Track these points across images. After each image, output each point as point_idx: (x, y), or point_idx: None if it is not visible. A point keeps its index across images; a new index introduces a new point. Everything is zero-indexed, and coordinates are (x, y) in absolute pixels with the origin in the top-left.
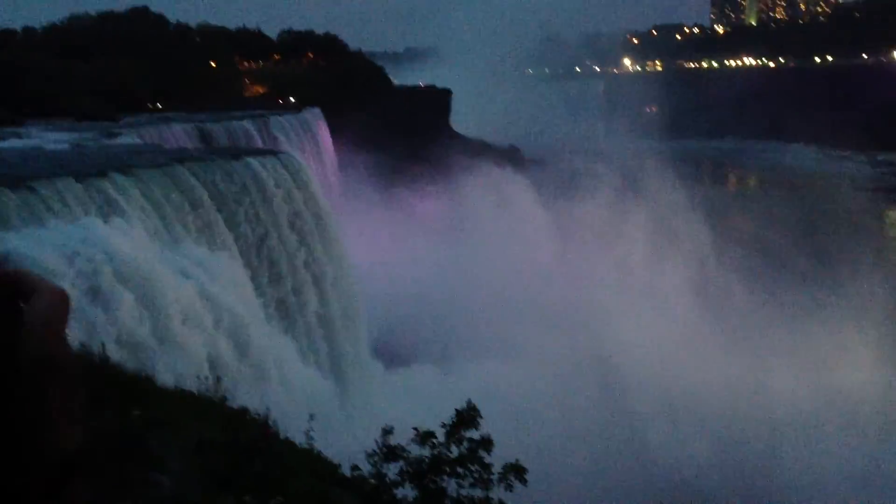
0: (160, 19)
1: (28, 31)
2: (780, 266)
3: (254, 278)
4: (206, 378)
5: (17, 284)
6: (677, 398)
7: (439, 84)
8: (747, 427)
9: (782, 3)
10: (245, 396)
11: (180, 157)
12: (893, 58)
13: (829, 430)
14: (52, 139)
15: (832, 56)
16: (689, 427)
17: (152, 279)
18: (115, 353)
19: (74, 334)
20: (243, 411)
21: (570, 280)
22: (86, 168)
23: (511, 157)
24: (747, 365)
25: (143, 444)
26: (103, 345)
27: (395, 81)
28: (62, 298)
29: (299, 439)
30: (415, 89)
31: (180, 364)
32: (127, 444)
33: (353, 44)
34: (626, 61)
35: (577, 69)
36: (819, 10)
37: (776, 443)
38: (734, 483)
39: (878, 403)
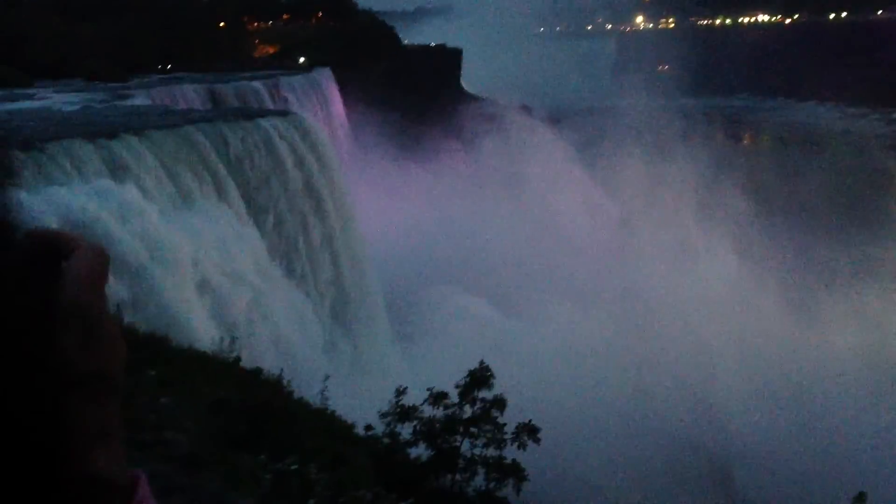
0: None
1: None
2: (817, 224)
3: (266, 239)
4: (221, 339)
5: (56, 243)
6: (733, 363)
7: (450, 43)
8: (810, 388)
9: None
10: (260, 357)
11: (191, 117)
12: None
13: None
14: (61, 100)
15: (847, 12)
16: (751, 391)
17: (164, 240)
18: (129, 315)
19: None
20: (257, 371)
21: (599, 240)
22: (96, 129)
23: (521, 115)
24: (805, 325)
25: (157, 404)
26: (118, 305)
27: (406, 41)
28: (102, 256)
29: (314, 400)
30: (425, 48)
31: (196, 324)
32: (143, 403)
33: (362, 3)
34: (639, 18)
35: (589, 27)
36: None
37: (839, 404)
38: (804, 449)
39: None
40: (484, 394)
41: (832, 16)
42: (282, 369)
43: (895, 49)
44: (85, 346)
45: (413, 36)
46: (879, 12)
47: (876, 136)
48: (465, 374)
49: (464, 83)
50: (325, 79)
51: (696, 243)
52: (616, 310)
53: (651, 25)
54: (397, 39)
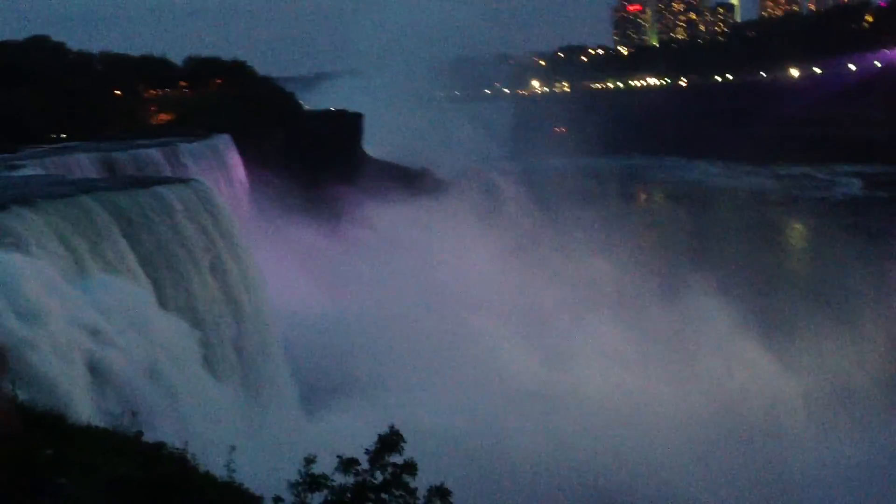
0: (60, 48)
1: None
2: (708, 279)
3: (167, 308)
4: (121, 413)
5: None
6: (600, 411)
7: (351, 108)
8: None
9: (682, 23)
10: (162, 430)
11: (86, 186)
12: (789, 74)
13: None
14: None
15: (732, 74)
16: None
17: (60, 314)
18: (22, 392)
19: None
20: (160, 445)
21: (475, 303)
22: None
23: (423, 178)
24: (676, 378)
25: (53, 485)
26: (13, 382)
27: (307, 106)
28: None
29: (220, 472)
30: (325, 113)
31: (93, 399)
32: (37, 485)
33: (261, 70)
34: (535, 83)
35: (487, 91)
36: (718, 29)
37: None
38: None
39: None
40: (395, 458)
41: (718, 78)
42: (186, 442)
43: (779, 108)
44: None
45: (314, 101)
46: (762, 74)
47: (764, 193)
48: (375, 440)
49: (366, 146)
50: (225, 145)
51: (572, 299)
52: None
53: (547, 90)
54: (297, 105)
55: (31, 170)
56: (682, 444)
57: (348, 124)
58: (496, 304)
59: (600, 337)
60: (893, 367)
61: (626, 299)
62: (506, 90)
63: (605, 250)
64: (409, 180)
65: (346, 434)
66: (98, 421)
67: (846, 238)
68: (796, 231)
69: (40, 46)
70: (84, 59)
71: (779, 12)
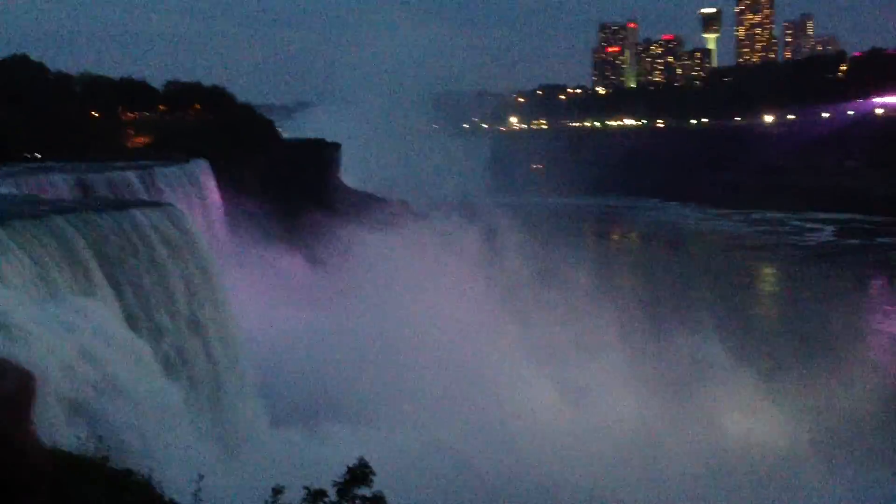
0: (39, 68)
1: None
2: (680, 319)
3: (136, 332)
4: (87, 438)
5: None
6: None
7: (329, 137)
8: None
9: (660, 66)
10: (129, 457)
11: (59, 208)
12: (764, 120)
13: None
14: None
15: (707, 118)
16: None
17: (27, 334)
18: None
19: None
20: (127, 472)
21: (451, 341)
22: None
23: (400, 209)
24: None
25: None
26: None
27: (285, 134)
28: (27, 381)
29: (185, 500)
30: (304, 142)
31: (59, 424)
32: None
33: (241, 97)
34: (513, 119)
35: (466, 125)
36: (695, 73)
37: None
38: None
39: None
40: (364, 491)
41: (694, 121)
42: (152, 469)
43: (754, 154)
44: (15, 465)
45: (293, 130)
46: (737, 119)
47: (738, 237)
48: (345, 472)
49: (343, 177)
50: (202, 170)
51: (540, 341)
52: (477, 409)
53: (525, 126)
54: (276, 133)
55: (3, 188)
56: (694, 479)
57: (326, 154)
58: (475, 336)
59: (607, 372)
60: (886, 405)
61: (623, 336)
62: (484, 125)
63: (589, 288)
64: (386, 211)
65: (316, 462)
66: (65, 445)
67: (820, 283)
68: (771, 275)
69: (19, 65)
70: (63, 79)
71: (755, 59)
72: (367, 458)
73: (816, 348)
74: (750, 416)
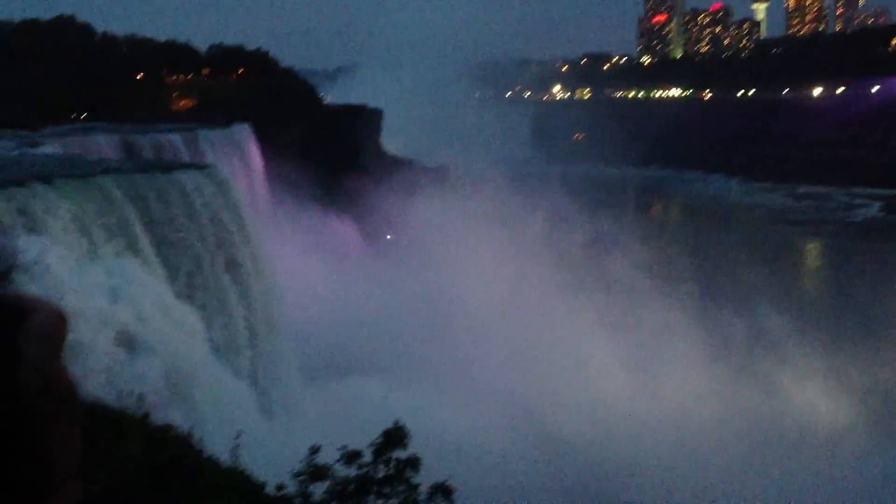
0: (86, 29)
1: None
2: (720, 295)
3: (178, 292)
4: (128, 394)
5: (13, 306)
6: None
7: (371, 103)
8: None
9: (707, 37)
10: (169, 414)
11: (104, 168)
12: (813, 93)
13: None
14: None
15: (754, 90)
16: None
17: (73, 293)
18: None
19: None
20: (166, 428)
21: (493, 303)
22: (3, 176)
23: (441, 176)
24: (698, 393)
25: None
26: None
27: (327, 99)
28: (60, 319)
29: (224, 457)
30: (346, 107)
31: (101, 380)
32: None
33: (284, 61)
34: (556, 88)
35: (508, 94)
36: (743, 44)
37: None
38: None
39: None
40: (398, 453)
41: (740, 93)
42: (191, 425)
43: (801, 127)
44: (45, 392)
45: (335, 95)
46: (785, 91)
47: (782, 211)
48: (380, 434)
49: (384, 142)
50: (245, 134)
51: (582, 311)
52: (520, 376)
53: (568, 95)
54: (318, 98)
55: (50, 148)
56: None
57: (368, 119)
58: (518, 304)
59: (661, 343)
60: None
61: (673, 306)
62: (527, 94)
63: (637, 260)
64: (427, 177)
65: (350, 424)
66: (103, 401)
67: (869, 259)
68: (818, 251)
69: (66, 26)
70: (109, 41)
71: (805, 31)
72: (402, 420)
73: (872, 323)
74: (809, 390)
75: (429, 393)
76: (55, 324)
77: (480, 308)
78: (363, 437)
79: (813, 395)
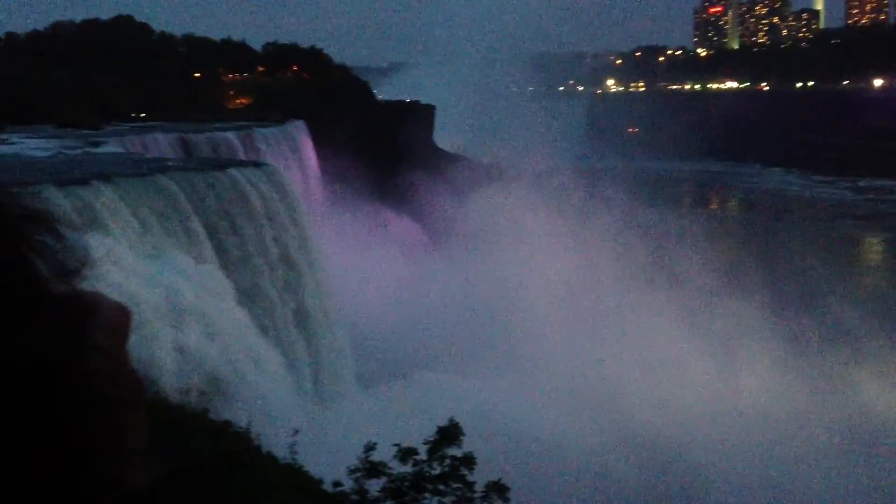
0: (144, 28)
1: (11, 37)
2: (782, 291)
3: (236, 289)
4: (189, 390)
5: (79, 302)
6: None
7: (423, 99)
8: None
9: (764, 27)
10: (228, 409)
11: (163, 166)
12: (874, 84)
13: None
14: (32, 146)
15: (813, 81)
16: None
17: (132, 290)
18: None
19: None
20: (226, 424)
21: (557, 300)
22: (67, 176)
23: (495, 171)
24: (770, 387)
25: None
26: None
27: (380, 96)
28: (125, 314)
29: (282, 453)
30: (399, 104)
31: (161, 376)
32: None
33: (337, 58)
34: (610, 81)
35: (561, 88)
36: (801, 35)
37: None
38: None
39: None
40: (453, 451)
41: (799, 85)
42: (249, 422)
43: (862, 119)
44: (113, 379)
45: (388, 91)
46: (845, 83)
47: (844, 205)
48: (435, 431)
49: (436, 138)
50: (299, 131)
51: (646, 306)
52: (590, 373)
53: (622, 89)
54: (371, 94)
55: (110, 147)
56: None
57: (420, 116)
58: (581, 302)
59: (734, 337)
60: None
61: (744, 307)
62: (580, 88)
63: (699, 257)
64: (481, 173)
65: (405, 422)
66: (170, 395)
67: None
68: (883, 245)
69: (124, 26)
70: (166, 40)
71: (864, 21)
72: (456, 417)
73: None
74: (890, 388)
75: (493, 390)
76: (121, 318)
77: (545, 305)
78: (418, 435)
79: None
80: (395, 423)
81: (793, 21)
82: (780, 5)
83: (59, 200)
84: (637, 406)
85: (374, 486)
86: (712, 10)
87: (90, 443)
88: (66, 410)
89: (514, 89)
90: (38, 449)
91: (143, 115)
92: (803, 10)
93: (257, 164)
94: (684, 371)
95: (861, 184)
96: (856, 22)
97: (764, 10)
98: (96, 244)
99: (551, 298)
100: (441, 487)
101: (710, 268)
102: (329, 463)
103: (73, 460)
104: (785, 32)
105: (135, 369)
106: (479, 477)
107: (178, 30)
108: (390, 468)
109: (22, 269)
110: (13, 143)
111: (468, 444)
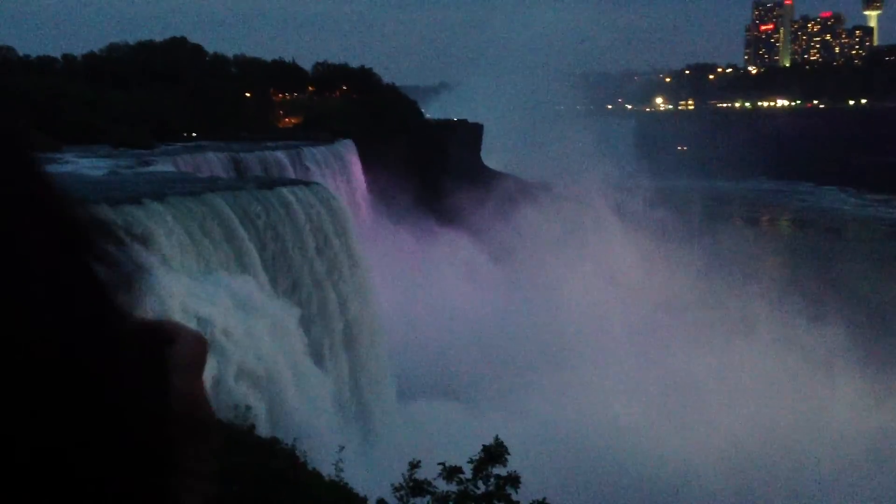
0: (197, 50)
1: (68, 59)
2: (836, 311)
3: (284, 307)
4: (236, 407)
5: (160, 331)
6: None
7: (471, 118)
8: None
9: (816, 45)
10: (274, 427)
11: (215, 185)
12: None
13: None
14: (87, 165)
15: (866, 99)
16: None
17: (183, 308)
18: None
19: None
20: (273, 440)
21: (611, 323)
22: (121, 194)
23: (543, 191)
24: (818, 407)
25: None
26: None
27: (428, 115)
28: (201, 343)
29: (327, 470)
30: (447, 122)
31: (213, 392)
32: None
33: (387, 77)
34: (659, 100)
35: (609, 106)
36: (854, 52)
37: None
38: None
39: None
40: (498, 470)
41: (851, 102)
42: (295, 439)
43: None
44: (189, 411)
45: (436, 110)
46: None
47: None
48: (480, 449)
49: (484, 157)
50: (348, 150)
51: (702, 325)
52: (647, 391)
53: (671, 107)
54: (420, 113)
55: (161, 166)
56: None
57: (469, 134)
58: (633, 326)
59: (818, 369)
60: None
61: (812, 330)
62: (628, 106)
63: (753, 277)
64: (529, 192)
65: (448, 442)
66: (217, 413)
67: None
68: None
69: (178, 47)
70: (219, 61)
71: None
72: (502, 438)
73: None
74: None
75: (553, 411)
76: (197, 349)
77: (598, 329)
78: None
79: None
80: (437, 443)
81: (846, 38)
82: (833, 22)
83: (111, 218)
84: (727, 424)
85: None
86: (763, 27)
87: (163, 470)
88: (143, 442)
89: (562, 108)
90: (115, 480)
91: (194, 134)
92: (856, 28)
93: (306, 183)
94: (776, 389)
95: None
96: None
97: (817, 28)
98: (150, 262)
99: (607, 323)
100: None
101: (770, 290)
102: (369, 480)
103: (143, 487)
104: (838, 50)
105: (207, 400)
106: (524, 496)
107: (230, 51)
108: (434, 486)
109: (98, 288)
110: (68, 163)
111: (518, 465)
